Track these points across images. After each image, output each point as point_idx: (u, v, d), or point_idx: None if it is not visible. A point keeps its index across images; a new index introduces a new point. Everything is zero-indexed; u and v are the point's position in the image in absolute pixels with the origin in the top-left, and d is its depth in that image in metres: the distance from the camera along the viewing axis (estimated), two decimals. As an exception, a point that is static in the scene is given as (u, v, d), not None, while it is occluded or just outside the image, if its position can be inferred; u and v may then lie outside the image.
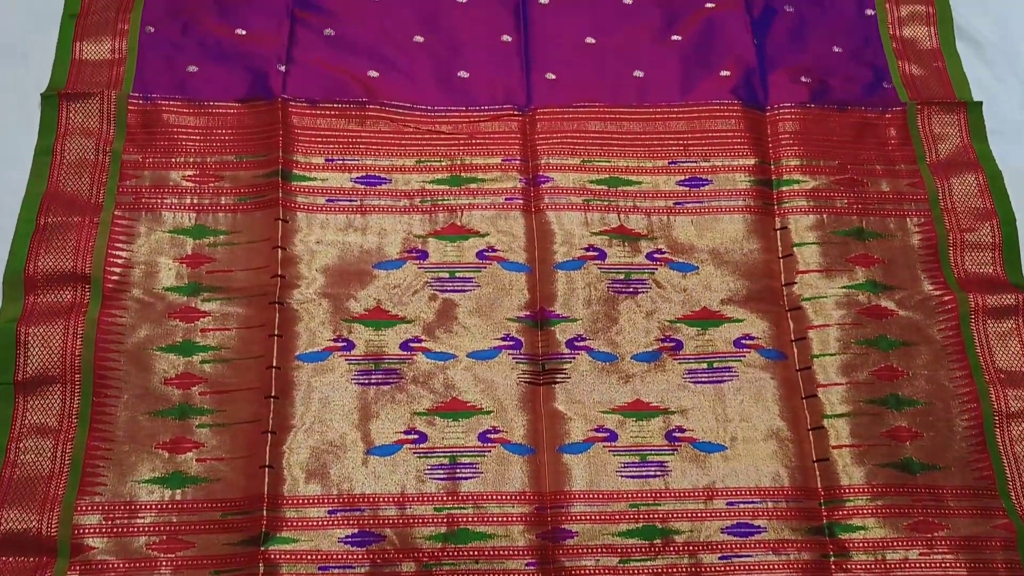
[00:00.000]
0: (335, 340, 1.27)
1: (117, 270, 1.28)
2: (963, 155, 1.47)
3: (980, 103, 1.50)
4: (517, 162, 1.41)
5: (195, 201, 1.34)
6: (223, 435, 1.22)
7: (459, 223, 1.36)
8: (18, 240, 1.28)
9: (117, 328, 1.25)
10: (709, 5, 1.56)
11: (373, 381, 1.26)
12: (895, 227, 1.41)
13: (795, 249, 1.38)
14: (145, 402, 1.22)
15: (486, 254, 1.34)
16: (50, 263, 1.27)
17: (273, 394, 1.22)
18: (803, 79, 1.51)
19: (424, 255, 1.34)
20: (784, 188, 1.42)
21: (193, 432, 1.22)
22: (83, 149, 1.35)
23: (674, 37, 1.53)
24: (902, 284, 1.37)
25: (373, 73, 1.45)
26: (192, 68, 1.43)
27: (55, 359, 1.21)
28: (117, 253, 1.29)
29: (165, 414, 1.22)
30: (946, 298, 1.35)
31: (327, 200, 1.36)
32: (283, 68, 1.44)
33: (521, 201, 1.38)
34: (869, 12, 1.60)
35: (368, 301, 1.30)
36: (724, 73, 1.50)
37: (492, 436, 1.24)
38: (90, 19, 1.46)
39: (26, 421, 1.19)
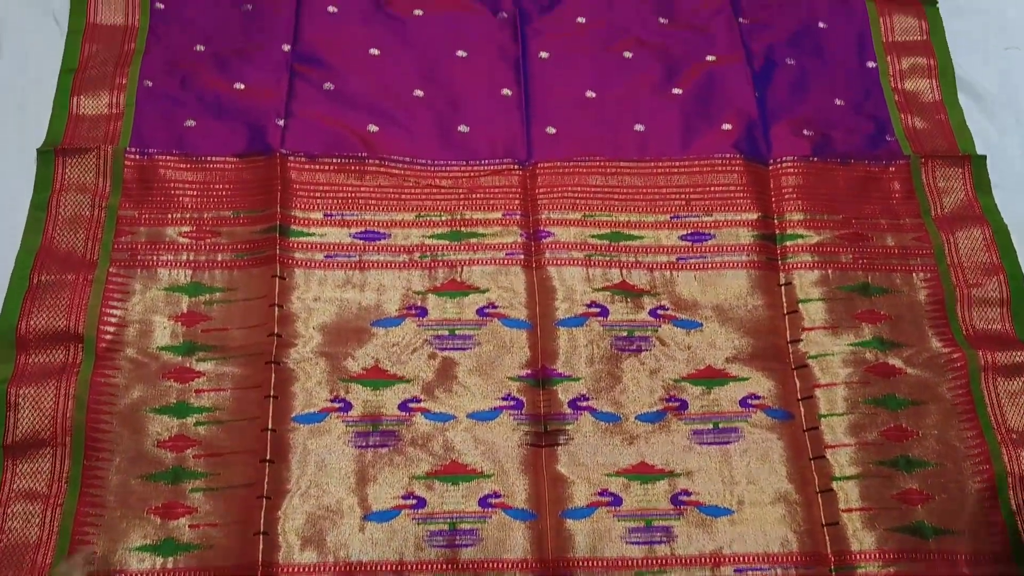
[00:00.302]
0: (332, 400, 1.24)
1: (111, 329, 1.25)
2: (968, 209, 1.44)
3: (984, 157, 1.48)
4: (518, 216, 1.38)
5: (191, 258, 1.31)
6: (217, 500, 1.18)
7: (459, 279, 1.33)
8: (10, 298, 1.25)
9: (110, 389, 1.22)
10: (710, 58, 1.55)
11: (371, 443, 1.22)
12: (901, 282, 1.38)
13: (800, 305, 1.35)
14: (138, 465, 1.19)
15: (486, 311, 1.31)
16: (43, 322, 1.23)
17: (268, 457, 1.19)
18: (805, 132, 1.49)
19: (423, 312, 1.31)
20: (788, 243, 1.40)
21: (186, 497, 1.18)
22: (79, 205, 1.33)
23: (675, 91, 1.52)
24: (910, 341, 1.33)
25: (373, 127, 1.43)
26: (190, 122, 1.41)
27: (46, 421, 1.18)
28: (111, 312, 1.26)
29: (158, 478, 1.18)
30: (955, 355, 1.31)
31: (325, 256, 1.33)
32: (282, 123, 1.41)
33: (522, 256, 1.35)
34: (871, 64, 1.58)
35: (366, 360, 1.27)
36: (726, 127, 1.48)
37: (493, 501, 1.20)
38: (88, 73, 1.44)
39: (15, 486, 1.15)
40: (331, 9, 1.53)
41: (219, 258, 1.32)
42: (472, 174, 1.41)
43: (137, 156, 1.37)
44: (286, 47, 1.48)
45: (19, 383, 1.19)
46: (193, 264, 1.31)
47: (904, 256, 1.40)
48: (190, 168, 1.37)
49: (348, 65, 1.49)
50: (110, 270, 1.29)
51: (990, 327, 1.34)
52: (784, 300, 1.36)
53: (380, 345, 1.28)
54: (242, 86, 1.45)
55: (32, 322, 1.23)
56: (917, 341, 1.33)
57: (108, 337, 1.25)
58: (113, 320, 1.26)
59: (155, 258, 1.31)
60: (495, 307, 1.32)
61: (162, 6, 1.51)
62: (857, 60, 1.59)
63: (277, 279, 1.29)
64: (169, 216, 1.34)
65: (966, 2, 1.66)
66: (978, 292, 1.37)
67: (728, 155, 1.45)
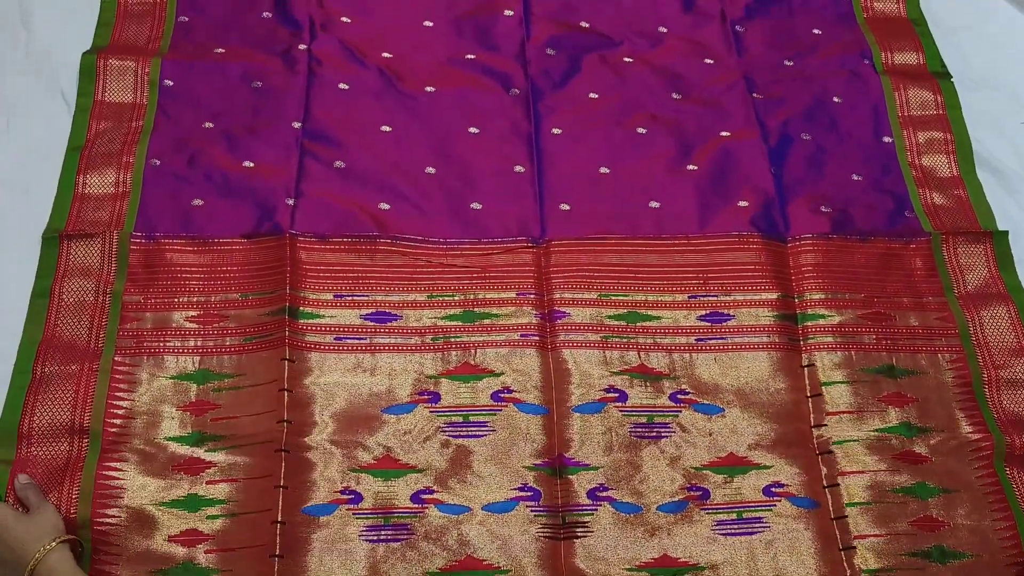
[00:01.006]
0: (342, 492, 1.21)
1: (117, 421, 1.22)
2: (992, 287, 1.43)
3: (1006, 232, 1.47)
4: (532, 296, 1.37)
5: (199, 343, 1.29)
6: None
7: (472, 362, 1.31)
8: (13, 393, 1.22)
9: (117, 483, 1.18)
10: (724, 134, 1.55)
11: (382, 537, 1.18)
12: (927, 364, 1.36)
13: (823, 388, 1.32)
14: (146, 562, 1.14)
15: (501, 395, 1.29)
16: (47, 417, 1.20)
17: (278, 553, 1.15)
18: (823, 209, 1.48)
19: (436, 397, 1.28)
20: (809, 323, 1.38)
21: None
22: (82, 291, 1.30)
23: (690, 167, 1.51)
24: (938, 426, 1.31)
25: (384, 205, 1.42)
26: (198, 202, 1.39)
27: None
28: (118, 403, 1.23)
29: (167, 575, 1.14)
30: (984, 443, 1.29)
31: (335, 339, 1.31)
32: (292, 202, 1.40)
33: (537, 338, 1.33)
34: (887, 139, 1.58)
35: (377, 449, 1.24)
36: (742, 203, 1.47)
37: (511, 598, 1.17)
38: (95, 151, 1.43)
39: None
40: (342, 86, 1.53)
41: (227, 343, 1.29)
42: (485, 252, 1.40)
43: (143, 240, 1.35)
44: (296, 124, 1.48)
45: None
46: (201, 350, 1.28)
47: (929, 337, 1.38)
48: (197, 251, 1.35)
49: (359, 142, 1.48)
50: (115, 359, 1.26)
51: (1021, 411, 1.32)
52: (807, 383, 1.33)
53: (391, 433, 1.25)
54: (251, 164, 1.44)
55: (36, 419, 1.20)
56: (947, 426, 1.31)
57: (114, 430, 1.21)
58: (120, 412, 1.22)
59: (162, 345, 1.28)
60: (510, 391, 1.29)
61: (171, 83, 1.51)
62: (873, 135, 1.59)
63: (286, 362, 1.26)
64: (176, 300, 1.31)
65: (981, 76, 1.67)
66: (1006, 374, 1.35)
67: (745, 233, 1.44)
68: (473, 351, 1.32)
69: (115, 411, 1.22)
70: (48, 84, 1.51)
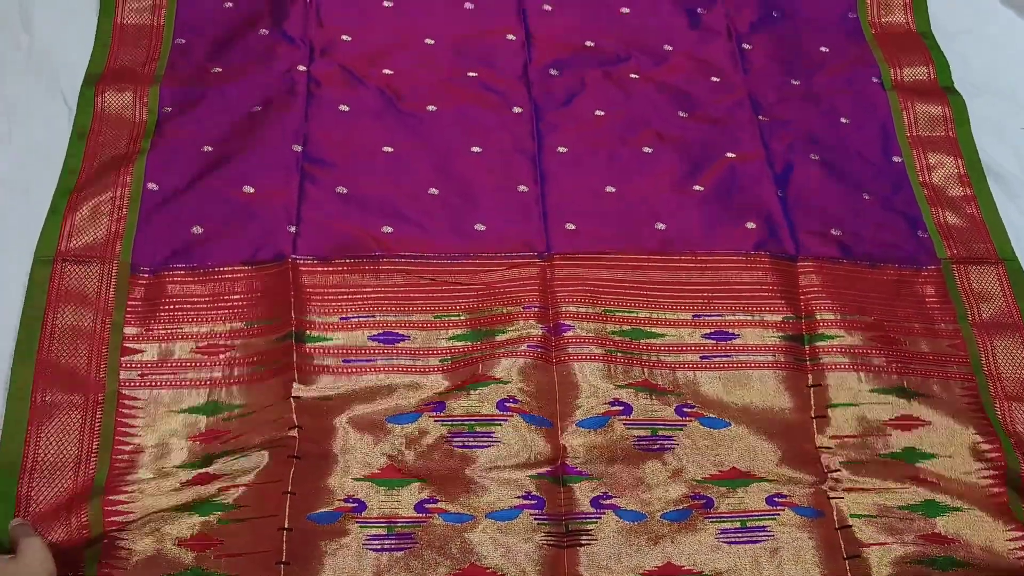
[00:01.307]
0: (346, 500, 1.27)
1: (124, 456, 1.27)
2: (1007, 316, 1.49)
3: (1018, 262, 1.53)
4: (536, 309, 1.42)
5: (207, 376, 1.33)
6: None
7: (478, 372, 1.37)
8: (11, 423, 1.26)
9: (125, 503, 1.23)
10: (730, 155, 1.60)
11: (386, 547, 1.24)
12: (939, 389, 1.41)
13: (829, 410, 1.38)
14: (154, 567, 1.19)
15: (507, 405, 1.35)
16: (52, 449, 1.25)
17: (284, 560, 1.21)
18: (833, 231, 1.54)
19: (441, 406, 1.34)
20: (816, 343, 1.43)
21: None
22: (78, 318, 1.34)
23: (696, 187, 1.57)
24: (949, 450, 1.37)
25: (387, 228, 1.47)
26: (197, 229, 1.43)
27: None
28: (126, 439, 1.28)
29: None
30: (997, 467, 1.35)
31: (343, 361, 1.36)
32: (293, 229, 1.44)
33: (541, 351, 1.39)
34: (896, 159, 1.64)
35: (381, 459, 1.30)
36: (749, 225, 1.53)
37: (514, 606, 1.22)
38: (90, 175, 1.46)
39: None
40: (342, 108, 1.58)
41: (236, 373, 1.33)
42: (490, 268, 1.45)
43: (145, 275, 1.38)
44: (297, 147, 1.52)
45: (25, 517, 1.21)
46: (209, 382, 1.32)
47: (941, 363, 1.43)
48: (198, 281, 1.39)
49: (360, 165, 1.53)
50: (120, 391, 1.30)
51: None
52: (813, 403, 1.39)
53: (396, 443, 1.31)
54: (251, 189, 1.47)
55: (41, 450, 1.25)
56: (958, 451, 1.37)
57: (121, 465, 1.26)
58: (128, 448, 1.27)
59: (168, 378, 1.32)
60: (515, 401, 1.35)
61: (169, 109, 1.55)
62: (882, 155, 1.65)
63: (295, 383, 1.32)
64: (180, 332, 1.36)
65: (982, 81, 1.74)
66: (1021, 408, 1.41)
67: (752, 253, 1.50)
68: (479, 365, 1.37)
69: (123, 446, 1.27)
70: (48, 85, 1.56)
